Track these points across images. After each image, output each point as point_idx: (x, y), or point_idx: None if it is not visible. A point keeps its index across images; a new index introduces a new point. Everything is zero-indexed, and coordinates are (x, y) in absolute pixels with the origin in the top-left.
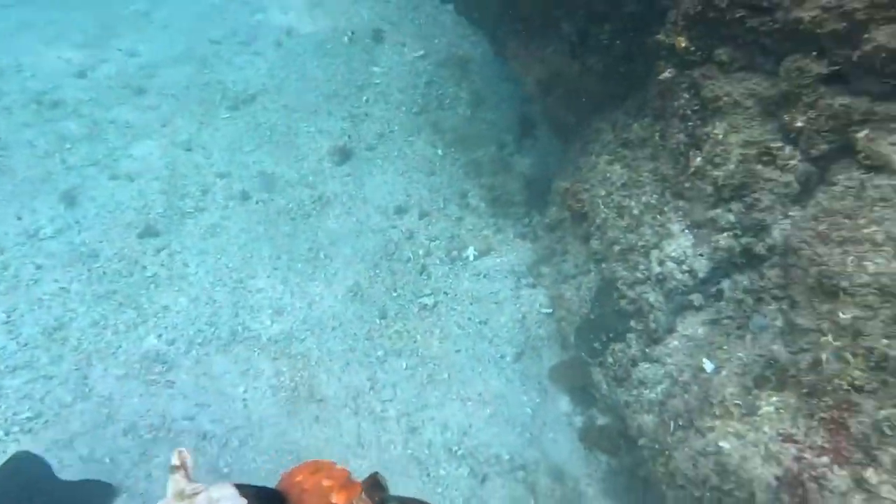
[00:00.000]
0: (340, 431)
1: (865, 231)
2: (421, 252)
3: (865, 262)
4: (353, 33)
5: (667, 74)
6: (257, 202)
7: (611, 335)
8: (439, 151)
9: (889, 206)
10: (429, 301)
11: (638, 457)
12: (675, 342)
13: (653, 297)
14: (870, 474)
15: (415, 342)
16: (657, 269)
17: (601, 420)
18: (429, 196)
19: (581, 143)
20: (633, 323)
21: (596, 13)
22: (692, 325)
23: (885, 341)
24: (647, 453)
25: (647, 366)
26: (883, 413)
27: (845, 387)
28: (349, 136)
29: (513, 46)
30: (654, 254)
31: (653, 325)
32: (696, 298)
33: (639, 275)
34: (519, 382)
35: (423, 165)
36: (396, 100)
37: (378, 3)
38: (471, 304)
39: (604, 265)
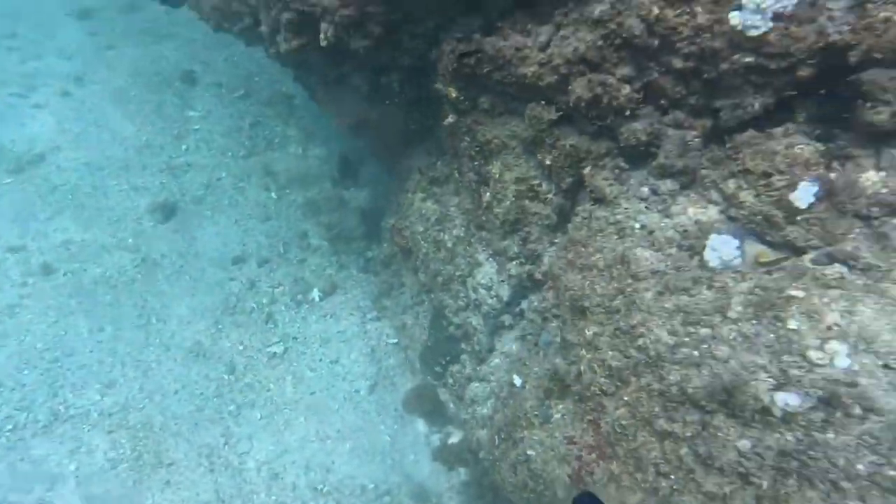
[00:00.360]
0: (197, 491)
1: (593, 258)
2: (265, 301)
3: (595, 286)
4: None
5: (450, 119)
6: (65, 274)
7: (448, 358)
8: (273, 195)
9: (605, 236)
10: (278, 349)
11: (482, 468)
12: (497, 360)
13: (475, 321)
14: (614, 466)
15: (268, 391)
16: (473, 296)
17: (454, 437)
18: (267, 242)
19: (399, 180)
20: (463, 345)
21: (382, 65)
22: (508, 343)
23: (610, 353)
24: (487, 464)
25: (476, 384)
26: (617, 413)
27: (598, 392)
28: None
29: (320, 94)
30: (470, 282)
31: (477, 347)
32: (507, 319)
33: (461, 302)
34: (375, 413)
35: (258, 211)
36: (220, 145)
37: (184, 43)
38: (320, 345)
39: (432, 295)
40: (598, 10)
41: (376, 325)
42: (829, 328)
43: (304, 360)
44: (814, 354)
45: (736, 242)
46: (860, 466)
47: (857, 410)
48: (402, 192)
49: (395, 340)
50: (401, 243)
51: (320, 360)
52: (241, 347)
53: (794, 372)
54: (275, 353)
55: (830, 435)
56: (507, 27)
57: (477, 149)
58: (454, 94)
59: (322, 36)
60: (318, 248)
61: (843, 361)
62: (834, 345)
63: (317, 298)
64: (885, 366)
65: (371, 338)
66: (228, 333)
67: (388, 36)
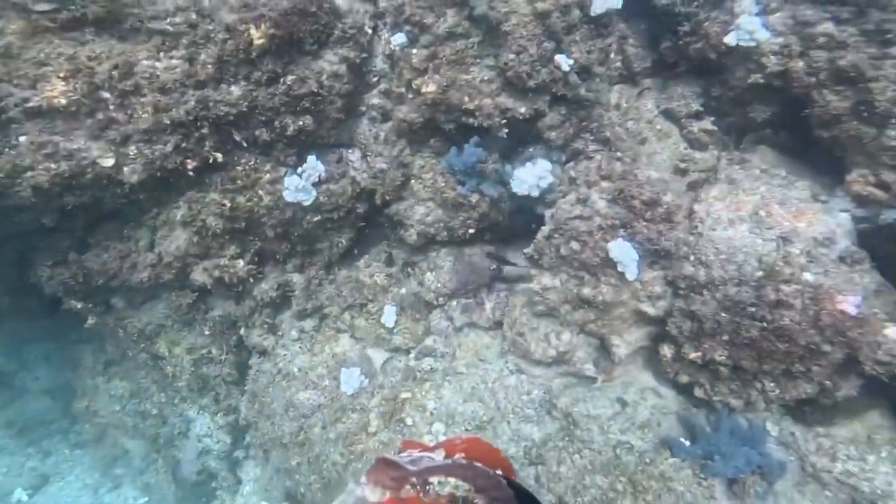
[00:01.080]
0: None
1: (272, 406)
2: None
3: (283, 428)
4: None
5: (91, 321)
6: None
7: (205, 499)
8: None
9: (275, 384)
10: None
11: None
12: (248, 487)
13: (213, 463)
14: None
15: None
16: (200, 445)
17: None
18: None
19: (72, 365)
20: (213, 484)
21: None
22: (251, 470)
23: (312, 477)
24: None
25: None
26: None
27: None
28: None
29: None
30: (192, 434)
31: (225, 483)
32: (240, 453)
33: (190, 455)
34: None
35: None
36: None
37: None
38: None
39: (163, 453)
40: (179, 214)
41: (117, 493)
42: (431, 414)
43: None
44: (427, 439)
45: (358, 370)
46: None
47: None
48: (81, 378)
49: (146, 498)
50: (100, 423)
51: None
52: None
53: None
54: None
55: None
56: (103, 239)
57: (136, 335)
58: (80, 306)
59: None
60: (3, 449)
61: (443, 438)
62: (436, 426)
63: (24, 498)
64: (467, 430)
65: None
66: None
67: None
